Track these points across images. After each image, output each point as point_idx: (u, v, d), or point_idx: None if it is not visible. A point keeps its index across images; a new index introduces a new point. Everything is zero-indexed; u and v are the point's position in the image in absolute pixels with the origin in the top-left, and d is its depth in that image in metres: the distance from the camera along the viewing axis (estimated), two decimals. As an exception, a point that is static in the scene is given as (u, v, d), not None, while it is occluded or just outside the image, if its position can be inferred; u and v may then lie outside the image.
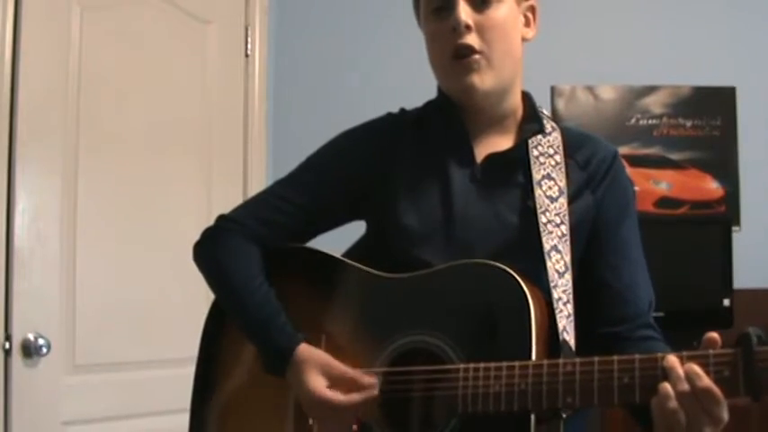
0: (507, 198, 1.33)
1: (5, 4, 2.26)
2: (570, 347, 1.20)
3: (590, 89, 3.32)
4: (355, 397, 1.23)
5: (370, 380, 1.24)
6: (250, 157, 2.90)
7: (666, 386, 1.04)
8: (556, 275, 1.25)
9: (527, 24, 1.39)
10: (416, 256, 1.30)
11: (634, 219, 1.37)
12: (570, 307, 1.24)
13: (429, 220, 1.33)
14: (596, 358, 1.09)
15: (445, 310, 1.24)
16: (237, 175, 2.87)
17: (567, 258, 1.27)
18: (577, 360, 1.11)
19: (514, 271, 1.20)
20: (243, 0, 2.94)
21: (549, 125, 1.38)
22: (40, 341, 2.26)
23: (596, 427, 2.55)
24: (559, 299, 1.23)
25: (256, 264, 1.38)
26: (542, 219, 1.28)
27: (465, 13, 1.30)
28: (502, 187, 1.34)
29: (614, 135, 3.20)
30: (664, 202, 3.26)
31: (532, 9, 1.39)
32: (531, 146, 1.35)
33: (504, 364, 1.14)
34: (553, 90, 3.31)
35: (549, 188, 1.31)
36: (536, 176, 1.32)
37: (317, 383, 1.25)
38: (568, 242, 1.28)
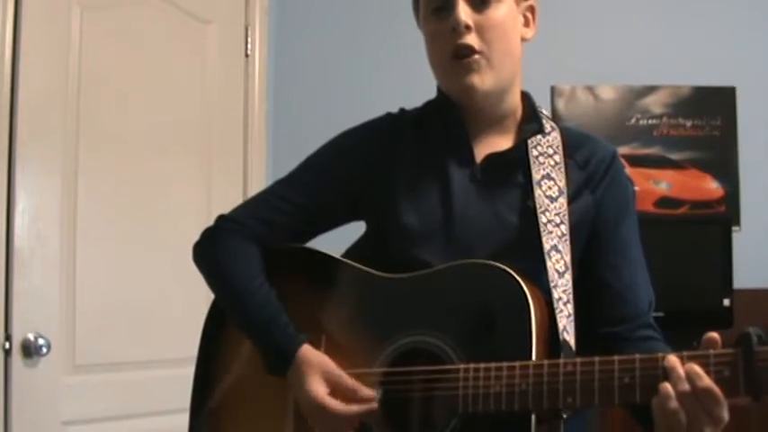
0: (507, 198, 1.33)
1: (5, 4, 2.26)
2: (570, 347, 1.20)
3: (590, 89, 3.32)
4: (354, 408, 1.23)
5: (369, 393, 1.24)
6: (250, 157, 2.90)
7: (667, 386, 1.04)
8: (556, 275, 1.25)
9: (526, 24, 1.39)
10: (416, 256, 1.30)
11: (634, 218, 1.37)
12: (570, 307, 1.24)
13: (429, 220, 1.32)
14: (597, 358, 1.09)
15: (445, 311, 1.24)
16: (237, 175, 2.87)
17: (567, 258, 1.27)
18: (578, 360, 1.11)
19: (514, 271, 1.20)
20: (243, 0, 2.94)
21: (548, 125, 1.38)
22: (40, 341, 2.26)
23: (596, 427, 2.55)
24: (559, 299, 1.23)
25: (256, 264, 1.38)
26: (542, 219, 1.28)
27: (465, 13, 1.30)
28: (501, 187, 1.34)
29: (614, 135, 3.20)
30: (664, 201, 3.26)
31: (532, 9, 1.39)
32: (530, 146, 1.35)
33: (505, 364, 1.14)
34: (553, 90, 3.31)
35: (549, 188, 1.31)
36: (535, 176, 1.32)
37: (318, 389, 1.25)
38: (568, 242, 1.28)
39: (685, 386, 1.03)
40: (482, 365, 1.15)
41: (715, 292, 2.93)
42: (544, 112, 1.41)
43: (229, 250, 1.40)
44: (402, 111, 1.45)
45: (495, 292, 1.20)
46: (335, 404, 1.24)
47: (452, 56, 1.31)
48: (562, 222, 1.29)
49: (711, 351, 1.04)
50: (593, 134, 1.43)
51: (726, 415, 1.04)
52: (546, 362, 1.13)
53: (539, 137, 1.36)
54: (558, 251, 1.27)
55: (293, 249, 1.42)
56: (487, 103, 1.35)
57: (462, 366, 1.17)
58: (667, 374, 1.05)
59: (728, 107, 3.30)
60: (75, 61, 2.43)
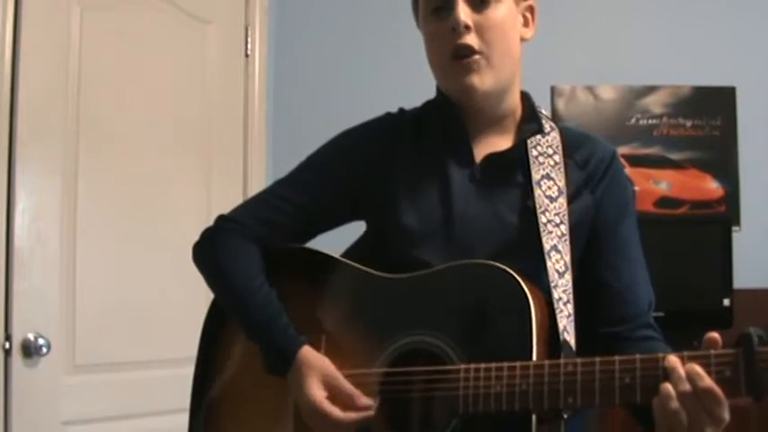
0: (507, 198, 1.33)
1: (5, 4, 2.26)
2: (571, 347, 1.20)
3: (590, 89, 3.32)
4: (351, 416, 1.24)
5: (367, 401, 1.24)
6: (250, 157, 2.90)
7: (668, 386, 1.04)
8: (556, 275, 1.25)
9: (526, 24, 1.39)
10: (416, 256, 1.30)
11: (633, 218, 1.37)
12: (570, 307, 1.24)
13: (428, 220, 1.32)
14: (597, 359, 1.09)
15: (445, 311, 1.24)
16: (237, 175, 2.87)
17: (567, 258, 1.27)
18: (579, 360, 1.11)
19: (514, 271, 1.20)
20: (243, 0, 2.94)
21: (547, 125, 1.38)
22: (40, 341, 2.26)
23: (596, 428, 2.54)
24: (560, 299, 1.23)
25: (256, 264, 1.38)
26: (542, 219, 1.28)
27: (464, 13, 1.29)
28: (501, 187, 1.34)
29: (614, 135, 3.19)
30: (664, 201, 3.26)
31: (531, 9, 1.39)
32: (530, 146, 1.35)
33: (505, 364, 1.14)
34: (553, 90, 3.30)
35: (549, 188, 1.31)
36: (535, 176, 1.32)
37: (317, 393, 1.25)
38: (568, 242, 1.28)
39: (686, 386, 1.03)
40: (482, 366, 1.15)
41: (715, 292, 2.93)
42: (544, 112, 1.41)
43: (229, 250, 1.40)
44: (401, 111, 1.45)
45: (495, 293, 1.20)
46: (333, 410, 1.24)
47: (452, 56, 1.31)
48: (562, 222, 1.29)
49: (712, 351, 1.04)
50: (593, 134, 1.43)
51: (727, 415, 1.04)
52: (546, 362, 1.13)
53: (538, 137, 1.36)
54: (557, 251, 1.27)
55: (293, 249, 1.42)
56: (487, 103, 1.35)
57: (463, 366, 1.17)
58: (668, 375, 1.05)
59: (728, 107, 3.30)
60: (75, 61, 2.43)
